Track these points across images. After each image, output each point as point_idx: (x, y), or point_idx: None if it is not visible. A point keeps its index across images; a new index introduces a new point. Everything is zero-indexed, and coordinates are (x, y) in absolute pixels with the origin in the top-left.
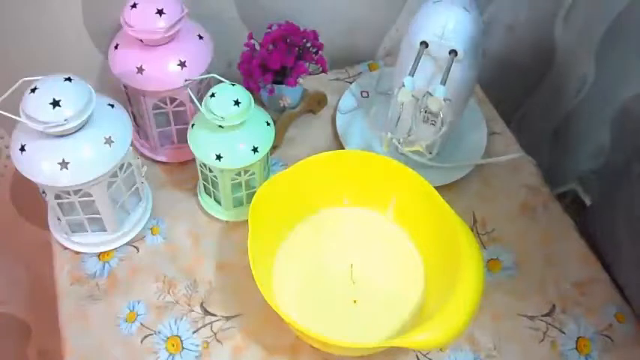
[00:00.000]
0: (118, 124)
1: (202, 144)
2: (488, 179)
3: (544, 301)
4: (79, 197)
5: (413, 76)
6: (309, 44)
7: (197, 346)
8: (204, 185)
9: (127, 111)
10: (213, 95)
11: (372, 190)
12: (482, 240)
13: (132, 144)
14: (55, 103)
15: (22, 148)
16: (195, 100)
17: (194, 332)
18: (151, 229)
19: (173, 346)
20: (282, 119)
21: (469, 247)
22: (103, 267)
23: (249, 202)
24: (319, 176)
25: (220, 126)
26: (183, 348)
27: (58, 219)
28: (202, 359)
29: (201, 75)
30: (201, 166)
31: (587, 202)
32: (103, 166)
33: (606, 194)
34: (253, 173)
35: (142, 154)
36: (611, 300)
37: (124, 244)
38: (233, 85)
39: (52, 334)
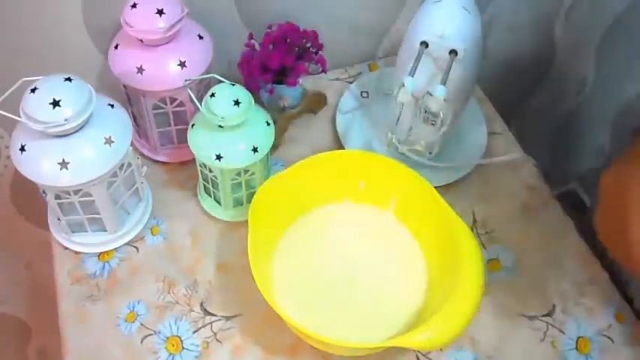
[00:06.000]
0: (118, 124)
1: (202, 144)
2: (488, 179)
3: (544, 301)
4: (79, 197)
5: (413, 76)
6: (309, 44)
7: (197, 346)
8: (204, 185)
9: (127, 111)
10: (213, 95)
11: (372, 190)
12: (482, 240)
13: (132, 144)
14: (55, 103)
15: (22, 148)
16: (195, 100)
17: (194, 332)
18: (151, 229)
19: (173, 346)
20: (282, 119)
21: (469, 247)
22: (103, 267)
23: (249, 202)
24: (319, 176)
25: (220, 126)
26: (183, 348)
27: (58, 219)
28: (202, 359)
29: (201, 75)
30: (201, 166)
31: (587, 201)
32: (103, 166)
33: None
34: (253, 173)
35: (142, 154)
36: (611, 300)
37: (124, 244)
38: (233, 85)
39: (52, 334)
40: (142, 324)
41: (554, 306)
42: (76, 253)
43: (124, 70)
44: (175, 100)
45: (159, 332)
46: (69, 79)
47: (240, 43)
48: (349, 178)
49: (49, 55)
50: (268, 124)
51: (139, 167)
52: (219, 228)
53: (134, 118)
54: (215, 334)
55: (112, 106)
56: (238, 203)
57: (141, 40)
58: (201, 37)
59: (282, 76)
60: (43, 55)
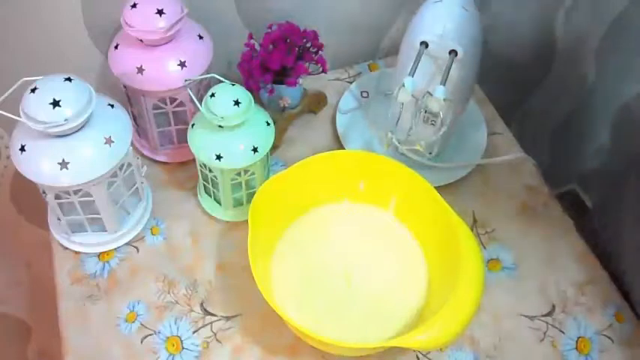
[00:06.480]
0: (118, 124)
1: (202, 144)
2: (488, 179)
3: (544, 301)
4: (79, 197)
5: (413, 76)
6: (309, 44)
7: (197, 346)
8: (204, 185)
9: (127, 111)
10: (213, 95)
11: (372, 190)
12: (482, 240)
13: (132, 144)
14: (55, 103)
15: (22, 148)
16: (195, 100)
17: (194, 332)
18: (151, 229)
19: (173, 346)
20: (282, 119)
21: (469, 247)
22: (103, 267)
23: (249, 202)
24: (319, 176)
25: (220, 126)
26: (183, 348)
27: (58, 219)
28: (202, 359)
29: (201, 75)
30: (201, 166)
31: (587, 202)
32: (103, 166)
33: (608, 193)
34: (253, 173)
35: (142, 154)
36: (611, 300)
37: (124, 244)
38: (233, 85)
39: (52, 334)
40: (142, 324)
41: (554, 306)
42: (76, 253)
43: (124, 70)
44: (175, 100)
45: (159, 332)
46: (69, 79)
47: (240, 43)
48: (349, 178)
49: (49, 55)
50: (268, 124)
51: (139, 167)
52: (219, 228)
53: (134, 118)
54: (215, 334)
55: (112, 106)
56: (238, 203)
57: (141, 40)
58: (201, 37)
59: (282, 76)
60: (43, 55)
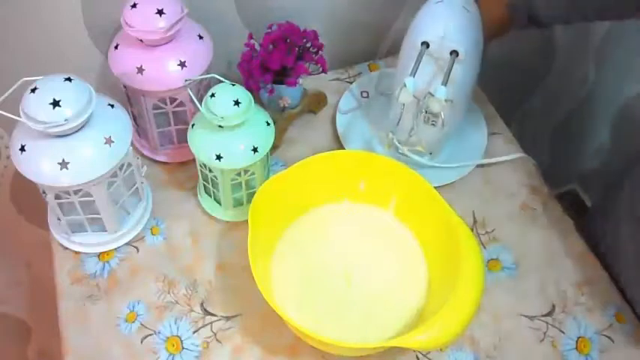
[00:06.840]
0: (118, 124)
1: (202, 144)
2: (489, 179)
3: (544, 301)
4: (79, 197)
5: (414, 76)
6: (309, 44)
7: (197, 346)
8: (204, 185)
9: (127, 111)
10: (213, 95)
11: (372, 190)
12: (482, 240)
13: (132, 144)
14: (55, 103)
15: (22, 148)
16: (195, 100)
17: (194, 332)
18: (151, 229)
19: (173, 346)
20: (282, 119)
21: (469, 247)
22: (103, 267)
23: (249, 202)
24: (319, 176)
25: (220, 126)
26: (183, 348)
27: (58, 219)
28: (202, 359)
29: (201, 75)
30: (201, 166)
31: (587, 202)
32: (103, 166)
33: (607, 194)
34: (253, 173)
35: (142, 154)
36: (611, 300)
37: (124, 244)
38: (233, 85)
39: (52, 334)
40: (142, 324)
41: (554, 306)
42: (76, 253)
43: (124, 70)
44: (175, 100)
45: (159, 332)
46: (69, 79)
47: (240, 43)
48: (349, 178)
49: (49, 55)
50: (268, 124)
51: (139, 167)
52: (219, 228)
53: (134, 118)
54: (215, 334)
55: (112, 106)
56: (238, 203)
57: (141, 40)
58: (201, 37)
59: (282, 76)
60: (43, 55)
